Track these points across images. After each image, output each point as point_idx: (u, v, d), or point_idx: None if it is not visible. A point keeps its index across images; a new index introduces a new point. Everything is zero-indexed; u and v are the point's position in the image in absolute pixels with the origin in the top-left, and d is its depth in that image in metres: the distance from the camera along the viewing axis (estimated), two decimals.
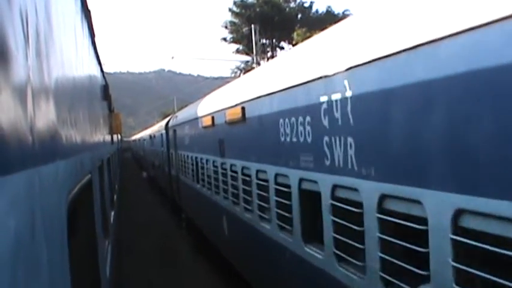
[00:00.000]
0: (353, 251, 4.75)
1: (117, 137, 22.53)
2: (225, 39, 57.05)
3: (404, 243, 3.92)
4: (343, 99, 4.70)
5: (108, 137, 11.06)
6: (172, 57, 43.58)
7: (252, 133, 8.31)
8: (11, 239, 1.31)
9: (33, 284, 1.57)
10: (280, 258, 7.20)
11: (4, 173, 1.29)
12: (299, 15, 55.14)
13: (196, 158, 15.03)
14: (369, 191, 4.33)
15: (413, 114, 3.66)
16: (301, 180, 6.06)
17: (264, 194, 7.65)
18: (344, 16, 44.76)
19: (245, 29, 51.31)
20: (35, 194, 1.70)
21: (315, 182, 5.55)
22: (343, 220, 4.94)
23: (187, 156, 17.04)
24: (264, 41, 51.36)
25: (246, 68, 48.21)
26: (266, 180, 7.49)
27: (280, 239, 7.10)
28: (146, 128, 65.90)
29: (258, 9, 52.52)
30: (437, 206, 3.41)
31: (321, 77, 5.20)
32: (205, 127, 12.59)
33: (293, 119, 6.09)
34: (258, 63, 41.54)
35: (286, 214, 6.69)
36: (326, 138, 5.10)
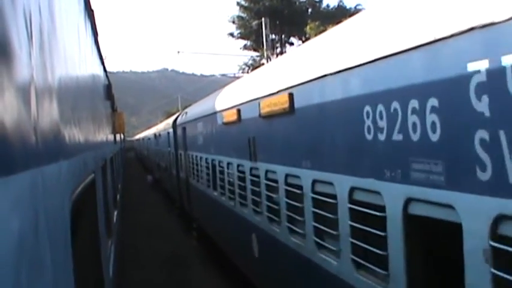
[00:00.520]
0: None
1: (120, 136, 22.59)
2: (232, 34, 55.02)
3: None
4: None
5: (111, 137, 11.07)
6: (178, 52, 42.51)
7: (304, 129, 6.27)
8: (14, 239, 1.31)
9: (36, 283, 1.57)
10: None
11: (8, 172, 1.29)
12: (309, 10, 53.42)
13: (212, 160, 12.64)
14: None
15: None
16: (412, 202, 3.94)
17: (330, 215, 5.48)
18: (356, 11, 43.52)
19: (254, 23, 49.33)
20: (38, 194, 1.70)
21: (452, 207, 3.43)
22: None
23: (201, 158, 14.69)
24: (273, 36, 49.45)
25: (254, 65, 46.90)
26: (332, 197, 5.36)
27: (359, 281, 4.90)
28: (149, 127, 65.66)
29: (267, 4, 50.57)
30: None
31: (472, 28, 3.14)
32: (226, 123, 10.50)
33: (395, 105, 4.03)
34: (269, 58, 39.98)
35: (378, 251, 4.49)
36: (482, 134, 3.08)
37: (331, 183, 5.36)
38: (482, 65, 3.03)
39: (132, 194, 30.20)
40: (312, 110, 5.91)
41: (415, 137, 3.76)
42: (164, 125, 30.03)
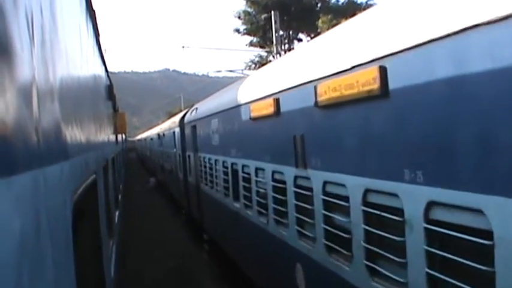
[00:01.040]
0: None
1: (122, 137, 22.59)
2: (238, 30, 52.08)
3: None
4: None
5: (112, 137, 11.08)
6: (183, 47, 41.65)
7: (414, 122, 3.92)
8: (16, 239, 1.31)
9: (38, 283, 1.57)
10: None
11: (10, 173, 1.29)
12: (318, 5, 50.60)
13: (233, 164, 10.34)
14: None
15: None
16: None
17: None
18: (367, 6, 41.73)
19: (263, 16, 47.03)
20: (40, 194, 1.70)
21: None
22: None
23: (216, 162, 12.27)
24: (281, 32, 46.77)
25: (261, 62, 45.05)
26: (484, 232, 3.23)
27: None
28: (151, 128, 65.35)
29: None
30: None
31: None
32: (256, 118, 8.29)
33: None
34: (279, 54, 37.98)
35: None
36: None
37: (482, 212, 3.18)
38: None
39: (133, 198, 28.47)
40: (440, 87, 3.52)
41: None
42: (169, 124, 26.90)
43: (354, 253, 5.01)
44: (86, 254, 3.96)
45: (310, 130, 6.14)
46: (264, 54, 48.23)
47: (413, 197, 3.84)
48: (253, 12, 50.39)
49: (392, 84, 4.18)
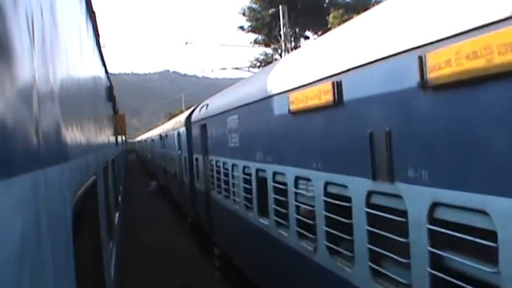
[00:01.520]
0: None
1: (122, 138, 22.57)
2: (242, 28, 49.46)
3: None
4: None
5: (112, 139, 11.08)
6: (186, 43, 40.26)
7: None
8: (16, 241, 1.31)
9: (38, 284, 1.57)
10: None
11: (10, 175, 1.29)
12: (326, 0, 47.93)
13: (260, 171, 8.26)
14: None
15: None
16: None
17: None
18: (377, 2, 40.19)
19: (271, 11, 44.51)
20: (40, 196, 1.70)
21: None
22: None
23: (234, 167, 10.14)
24: (286, 29, 47.35)
25: (266, 60, 43.38)
26: None
27: None
28: (151, 129, 64.97)
29: None
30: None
31: None
32: (298, 111, 6.30)
33: None
34: (287, 51, 35.87)
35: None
36: None
37: None
38: None
39: (134, 203, 26.64)
40: None
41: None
42: (173, 124, 24.38)
43: None
44: (86, 255, 3.96)
45: (408, 124, 4.01)
46: (270, 52, 46.22)
47: None
48: (259, 9, 47.57)
49: None
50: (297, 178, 6.59)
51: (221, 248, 13.33)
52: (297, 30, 48.32)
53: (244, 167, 9.37)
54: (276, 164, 7.45)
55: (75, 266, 2.50)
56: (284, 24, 37.70)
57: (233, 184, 10.51)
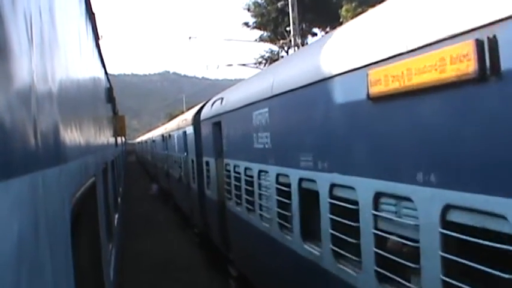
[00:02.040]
0: None
1: (121, 139, 22.57)
2: (247, 24, 46.84)
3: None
4: None
5: (112, 140, 11.08)
6: (190, 38, 38.91)
7: None
8: (15, 243, 1.31)
9: (37, 286, 1.56)
10: None
11: (8, 176, 1.28)
12: None
13: (306, 182, 6.25)
14: None
15: None
16: None
17: None
18: None
19: (279, 3, 41.91)
20: (39, 197, 1.69)
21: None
22: None
23: (263, 174, 8.09)
24: (293, 26, 45.41)
25: (272, 57, 41.54)
26: None
27: None
28: (151, 130, 64.69)
29: None
30: None
31: None
32: (387, 96, 4.15)
33: None
34: (297, 47, 34.07)
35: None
36: None
37: None
38: None
39: (133, 208, 24.75)
40: None
41: None
42: (178, 123, 21.60)
43: None
44: (85, 257, 3.95)
45: None
46: (276, 49, 43.88)
47: None
48: (264, 4, 44.96)
49: None
50: (379, 195, 4.44)
51: (239, 269, 10.93)
52: (303, 26, 44.57)
53: (278, 175, 7.22)
54: (337, 173, 5.26)
55: (74, 268, 2.49)
56: (294, 18, 34.84)
57: (260, 195, 8.33)
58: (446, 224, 3.46)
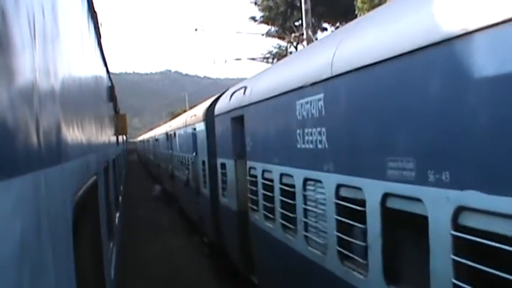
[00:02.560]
0: None
1: (123, 138, 22.57)
2: (254, 18, 44.28)
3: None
4: None
5: (113, 139, 11.09)
6: (196, 29, 37.69)
7: None
8: (17, 241, 1.31)
9: (39, 284, 1.57)
10: None
11: (10, 175, 1.29)
12: None
13: (390, 200, 4.17)
14: None
15: None
16: None
17: None
18: None
19: None
20: (40, 196, 1.69)
21: None
22: None
23: (309, 184, 6.24)
24: (300, 21, 39.81)
25: (281, 53, 39.73)
26: None
27: None
28: (152, 129, 64.44)
29: None
30: None
31: None
32: None
33: None
34: (310, 40, 31.61)
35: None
36: None
37: None
38: None
39: (135, 212, 22.40)
40: None
41: None
42: (185, 119, 19.26)
43: None
44: (87, 256, 3.96)
45: None
46: (284, 44, 41.95)
47: None
48: None
49: None
50: None
51: None
52: (313, 21, 41.08)
53: (340, 187, 5.19)
54: (473, 190, 3.12)
55: (76, 267, 2.50)
56: (306, 10, 32.34)
57: (306, 212, 6.32)
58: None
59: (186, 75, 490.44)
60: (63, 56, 2.72)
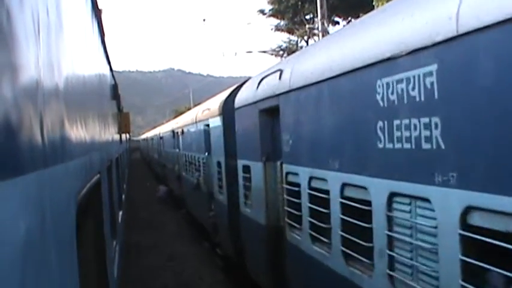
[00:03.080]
0: None
1: (126, 136, 22.57)
2: (262, 11, 42.06)
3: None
4: None
5: (116, 137, 11.09)
6: (204, 20, 37.49)
7: None
8: (21, 239, 1.31)
9: (42, 283, 1.57)
10: None
11: (15, 174, 1.28)
12: None
13: None
14: None
15: None
16: None
17: None
18: None
19: None
20: (44, 195, 1.69)
21: None
22: None
23: (400, 202, 4.04)
24: (311, 15, 38.48)
25: (291, 48, 38.36)
26: None
27: None
28: (155, 127, 64.18)
29: None
30: None
31: None
32: None
33: None
34: (326, 32, 29.75)
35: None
36: None
37: None
38: None
39: (138, 216, 20.61)
40: None
41: None
42: (195, 114, 17.05)
43: None
44: (90, 254, 3.96)
45: None
46: (294, 39, 40.85)
47: None
48: None
49: None
50: None
51: None
52: (325, 14, 38.63)
53: (468, 210, 3.14)
54: None
55: (79, 265, 2.50)
56: (321, 1, 29.96)
57: (390, 242, 4.24)
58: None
59: (189, 73, 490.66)
60: (66, 54, 2.71)
